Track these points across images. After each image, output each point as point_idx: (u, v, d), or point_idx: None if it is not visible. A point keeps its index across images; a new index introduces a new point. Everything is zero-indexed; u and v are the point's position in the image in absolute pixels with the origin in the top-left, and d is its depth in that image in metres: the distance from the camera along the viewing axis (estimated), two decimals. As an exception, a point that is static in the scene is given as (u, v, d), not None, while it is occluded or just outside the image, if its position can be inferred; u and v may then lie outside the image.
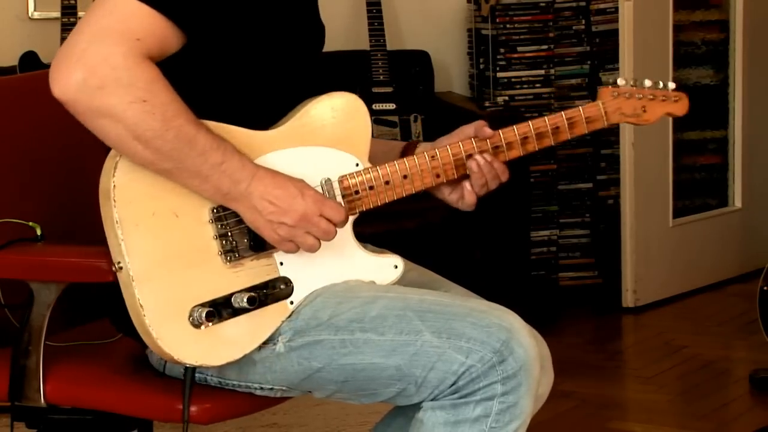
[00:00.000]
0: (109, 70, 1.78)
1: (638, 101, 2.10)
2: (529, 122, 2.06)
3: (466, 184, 2.06)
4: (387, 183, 2.00)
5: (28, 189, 2.26)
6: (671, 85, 2.13)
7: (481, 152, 2.03)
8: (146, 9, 1.82)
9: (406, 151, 2.08)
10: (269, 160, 1.93)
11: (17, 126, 2.29)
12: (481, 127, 2.05)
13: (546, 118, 2.06)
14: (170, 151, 1.83)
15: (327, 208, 1.90)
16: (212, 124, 1.88)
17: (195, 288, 1.88)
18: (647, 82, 2.11)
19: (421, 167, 2.02)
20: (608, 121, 2.09)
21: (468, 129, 2.06)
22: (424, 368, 1.87)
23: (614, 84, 2.09)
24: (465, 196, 2.07)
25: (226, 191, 1.87)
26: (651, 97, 2.11)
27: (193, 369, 1.93)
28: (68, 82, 1.79)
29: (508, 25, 4.47)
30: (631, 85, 2.10)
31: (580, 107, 2.08)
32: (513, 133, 2.05)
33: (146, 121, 1.80)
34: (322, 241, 1.91)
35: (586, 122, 2.07)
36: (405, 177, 2.01)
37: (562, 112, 2.06)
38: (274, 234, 1.89)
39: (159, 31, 1.84)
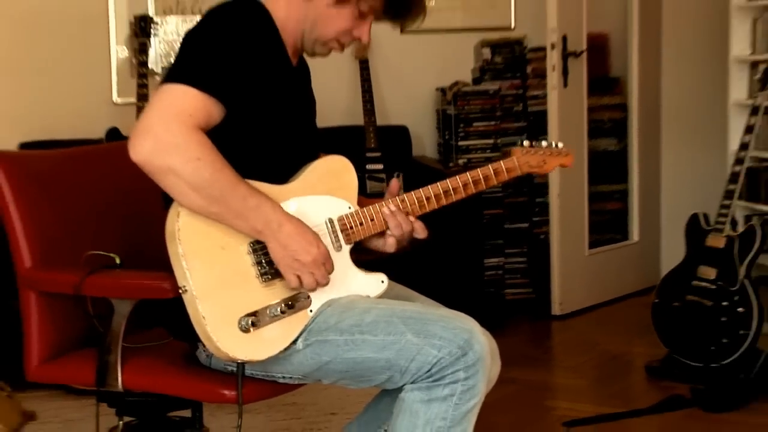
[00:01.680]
0: (171, 138, 1.78)
1: (540, 156, 2.13)
2: (467, 173, 2.05)
3: (387, 233, 2.02)
4: (372, 220, 2.01)
5: (110, 229, 2.25)
6: (560, 144, 2.16)
7: (407, 214, 2.01)
8: (194, 91, 1.82)
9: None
10: (289, 206, 1.92)
11: (104, 182, 2.28)
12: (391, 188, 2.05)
13: (478, 169, 2.06)
14: (219, 197, 1.82)
15: (329, 262, 1.90)
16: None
17: (241, 302, 1.86)
18: (544, 143, 2.15)
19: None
20: (521, 171, 2.11)
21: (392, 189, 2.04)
22: (407, 360, 1.86)
23: (521, 145, 2.13)
24: (386, 240, 2.03)
25: (260, 229, 1.86)
26: (549, 153, 2.14)
27: (243, 363, 1.91)
28: (142, 149, 1.78)
29: (466, 107, 4.47)
30: (532, 146, 2.13)
31: (501, 161, 2.09)
32: (456, 181, 2.04)
33: (200, 174, 1.80)
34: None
35: (507, 172, 2.09)
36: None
37: (489, 165, 2.08)
38: (287, 267, 1.88)
39: (205, 107, 1.83)
